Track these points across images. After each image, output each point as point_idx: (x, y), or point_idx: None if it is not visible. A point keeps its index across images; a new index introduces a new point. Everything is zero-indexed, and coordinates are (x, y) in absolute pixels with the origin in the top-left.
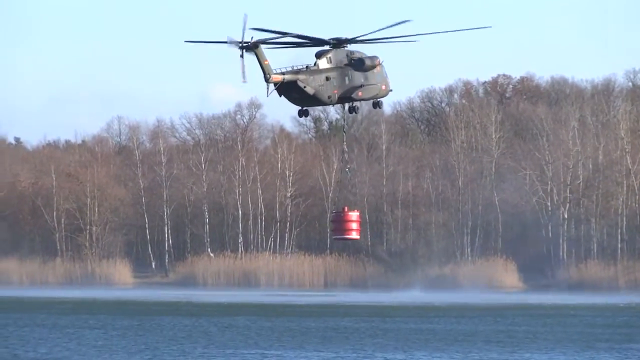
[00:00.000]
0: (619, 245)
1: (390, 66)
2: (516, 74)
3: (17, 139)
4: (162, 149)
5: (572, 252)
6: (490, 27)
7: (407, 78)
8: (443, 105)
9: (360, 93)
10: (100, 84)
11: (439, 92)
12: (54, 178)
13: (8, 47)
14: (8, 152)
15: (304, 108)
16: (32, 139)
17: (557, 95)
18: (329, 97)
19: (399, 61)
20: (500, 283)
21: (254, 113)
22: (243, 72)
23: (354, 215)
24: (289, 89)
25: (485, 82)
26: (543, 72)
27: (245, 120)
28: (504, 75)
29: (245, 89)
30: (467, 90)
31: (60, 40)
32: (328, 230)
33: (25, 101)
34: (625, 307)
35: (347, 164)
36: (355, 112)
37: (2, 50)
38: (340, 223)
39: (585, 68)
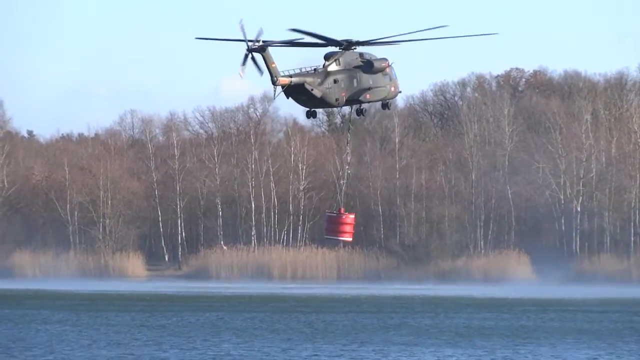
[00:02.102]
0: (632, 239)
1: (403, 60)
2: (529, 67)
3: (30, 132)
4: (175, 142)
5: (585, 245)
6: (497, 33)
7: (420, 72)
8: (456, 98)
9: (368, 95)
10: (113, 78)
11: (452, 86)
12: (67, 171)
13: (22, 42)
14: (21, 146)
15: (312, 109)
16: (45, 132)
17: (570, 88)
18: (336, 100)
19: (412, 55)
20: (513, 276)
21: (267, 106)
22: (242, 68)
23: (349, 218)
24: (296, 92)
25: (498, 75)
26: (556, 66)
27: (258, 114)
28: (517, 68)
29: (258, 82)
30: (480, 83)
31: (74, 35)
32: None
33: (38, 95)
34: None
35: (348, 165)
36: (363, 115)
37: (16, 45)
38: (335, 224)
39: (598, 62)
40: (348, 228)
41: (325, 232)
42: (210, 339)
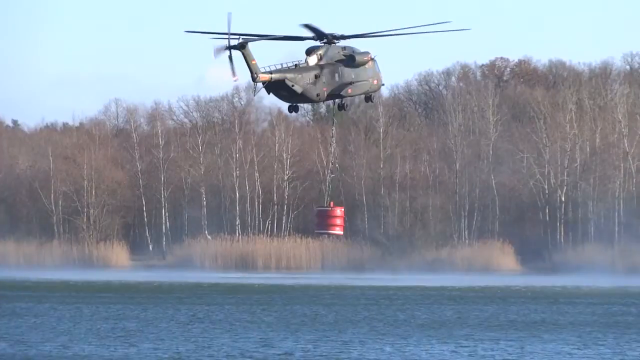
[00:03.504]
0: (616, 229)
1: (387, 49)
2: (514, 57)
3: (14, 122)
4: (159, 131)
5: (569, 235)
6: (470, 29)
7: (404, 61)
8: (440, 88)
9: (350, 90)
10: (98, 67)
11: (437, 75)
12: (51, 161)
13: (7, 32)
14: (6, 135)
15: (294, 104)
16: (30, 121)
17: (555, 78)
18: (317, 95)
19: (397, 44)
20: (497, 266)
21: (252, 96)
22: (233, 71)
23: (339, 211)
24: (277, 88)
25: (482, 65)
26: (541, 56)
27: (242, 103)
28: (501, 58)
29: (243, 72)
30: (465, 73)
31: (59, 24)
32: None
33: (23, 84)
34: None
35: (336, 161)
36: (345, 109)
37: (1, 35)
38: (325, 218)
39: (583, 51)
40: (339, 221)
41: (316, 227)
42: (192, 329)
